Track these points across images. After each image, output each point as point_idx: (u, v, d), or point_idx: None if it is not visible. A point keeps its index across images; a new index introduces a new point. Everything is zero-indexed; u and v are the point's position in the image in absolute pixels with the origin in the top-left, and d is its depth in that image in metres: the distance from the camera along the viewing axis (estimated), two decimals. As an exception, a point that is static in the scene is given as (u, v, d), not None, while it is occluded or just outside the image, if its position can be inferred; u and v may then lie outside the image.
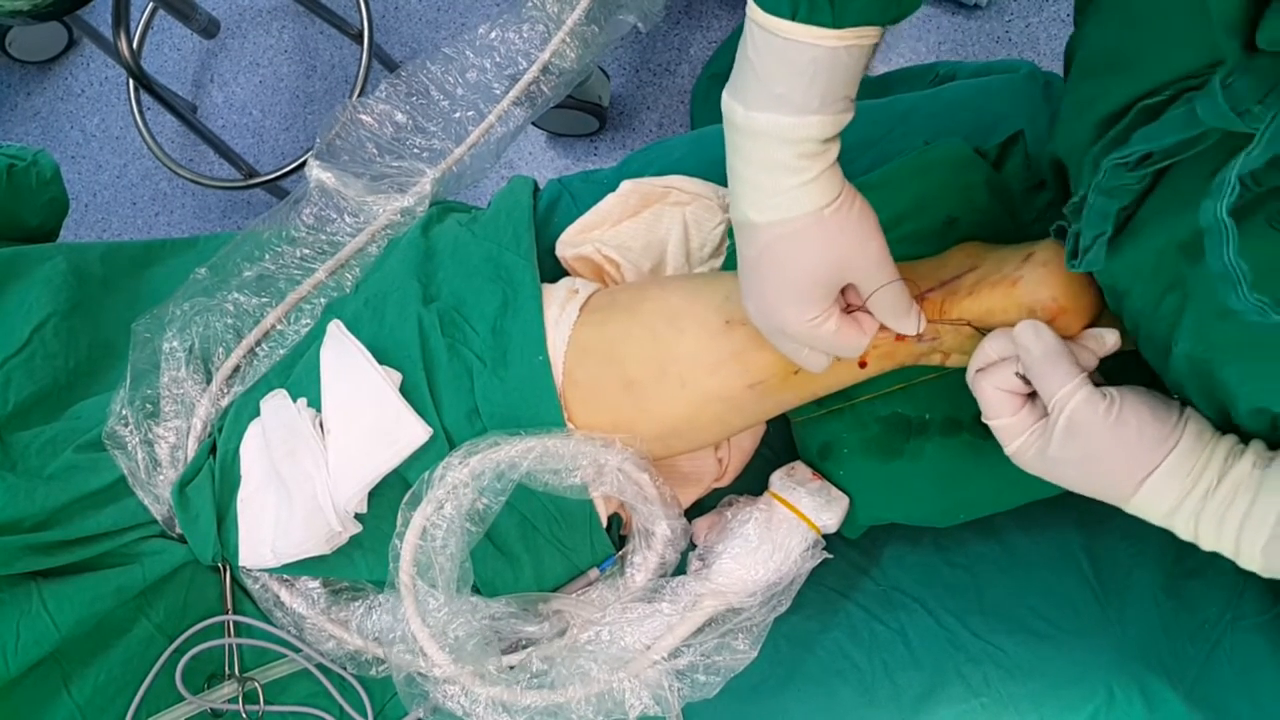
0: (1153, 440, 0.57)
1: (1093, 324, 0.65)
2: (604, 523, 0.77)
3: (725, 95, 0.59)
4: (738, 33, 1.60)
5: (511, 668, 0.76)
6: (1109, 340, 0.63)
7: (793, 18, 0.54)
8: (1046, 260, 0.65)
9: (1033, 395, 0.62)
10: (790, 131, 0.57)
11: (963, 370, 0.66)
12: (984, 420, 0.63)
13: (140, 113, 1.75)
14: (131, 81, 1.73)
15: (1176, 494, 0.56)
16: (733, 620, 0.76)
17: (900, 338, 0.68)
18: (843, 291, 0.64)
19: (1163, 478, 0.57)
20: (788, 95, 0.56)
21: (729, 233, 0.85)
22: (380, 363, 0.76)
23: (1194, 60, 0.52)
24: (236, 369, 0.87)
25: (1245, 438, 0.57)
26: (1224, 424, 0.58)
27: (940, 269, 0.70)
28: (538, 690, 0.74)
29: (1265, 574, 0.56)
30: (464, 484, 0.71)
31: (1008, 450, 0.62)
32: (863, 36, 0.55)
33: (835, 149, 0.59)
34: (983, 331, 0.66)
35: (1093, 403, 0.58)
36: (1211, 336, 0.54)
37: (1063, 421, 0.58)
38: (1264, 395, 0.53)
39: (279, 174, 1.69)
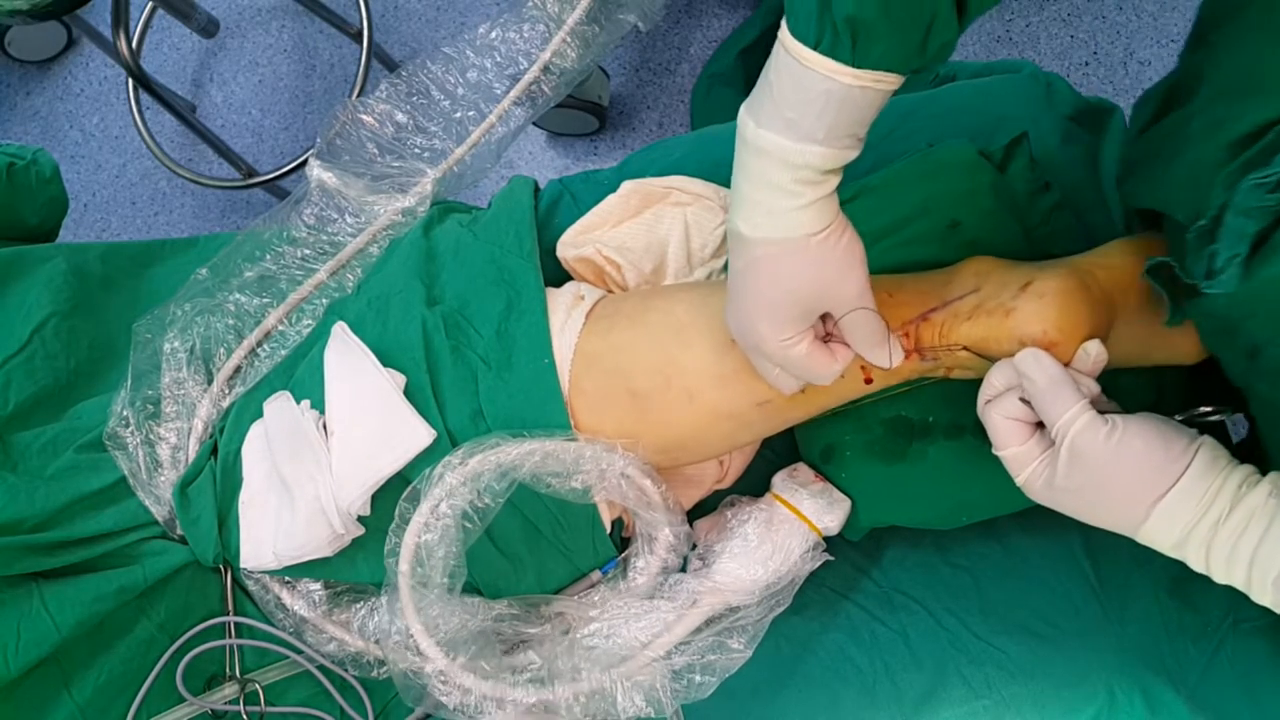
0: (1160, 465, 0.56)
1: None
2: (607, 526, 0.77)
3: (742, 108, 0.59)
4: (738, 32, 1.60)
5: (509, 664, 0.76)
6: (1092, 351, 0.63)
7: (815, 47, 0.54)
8: (1043, 292, 0.65)
9: (1041, 425, 0.61)
10: (792, 156, 0.57)
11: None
12: (995, 453, 0.63)
13: (139, 112, 1.75)
14: (131, 81, 1.73)
15: (1187, 520, 0.55)
16: (730, 619, 0.76)
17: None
18: (824, 319, 0.65)
19: (1173, 502, 0.56)
20: (796, 121, 0.56)
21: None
22: (384, 364, 0.76)
23: None
24: (238, 369, 0.87)
25: None
26: None
27: (947, 286, 0.70)
28: (532, 687, 0.74)
29: (1279, 609, 0.54)
30: (461, 485, 0.71)
31: (1018, 481, 0.62)
32: (880, 80, 0.55)
33: (834, 180, 0.59)
34: (980, 356, 0.66)
35: (1095, 428, 0.57)
36: None
37: (1066, 447, 0.58)
38: None
39: (278, 174, 1.69)
